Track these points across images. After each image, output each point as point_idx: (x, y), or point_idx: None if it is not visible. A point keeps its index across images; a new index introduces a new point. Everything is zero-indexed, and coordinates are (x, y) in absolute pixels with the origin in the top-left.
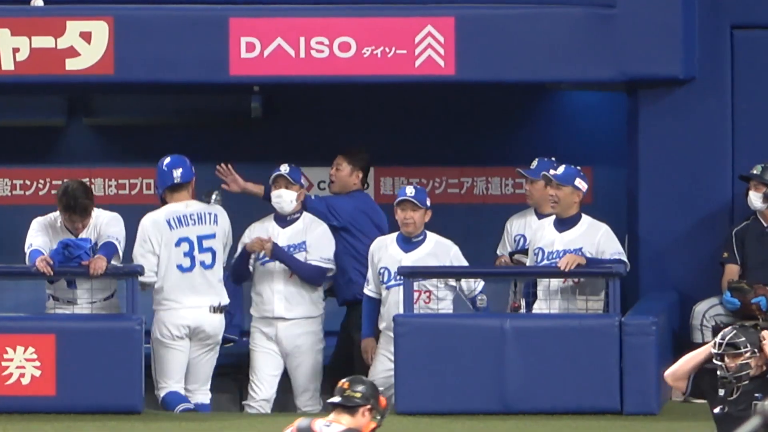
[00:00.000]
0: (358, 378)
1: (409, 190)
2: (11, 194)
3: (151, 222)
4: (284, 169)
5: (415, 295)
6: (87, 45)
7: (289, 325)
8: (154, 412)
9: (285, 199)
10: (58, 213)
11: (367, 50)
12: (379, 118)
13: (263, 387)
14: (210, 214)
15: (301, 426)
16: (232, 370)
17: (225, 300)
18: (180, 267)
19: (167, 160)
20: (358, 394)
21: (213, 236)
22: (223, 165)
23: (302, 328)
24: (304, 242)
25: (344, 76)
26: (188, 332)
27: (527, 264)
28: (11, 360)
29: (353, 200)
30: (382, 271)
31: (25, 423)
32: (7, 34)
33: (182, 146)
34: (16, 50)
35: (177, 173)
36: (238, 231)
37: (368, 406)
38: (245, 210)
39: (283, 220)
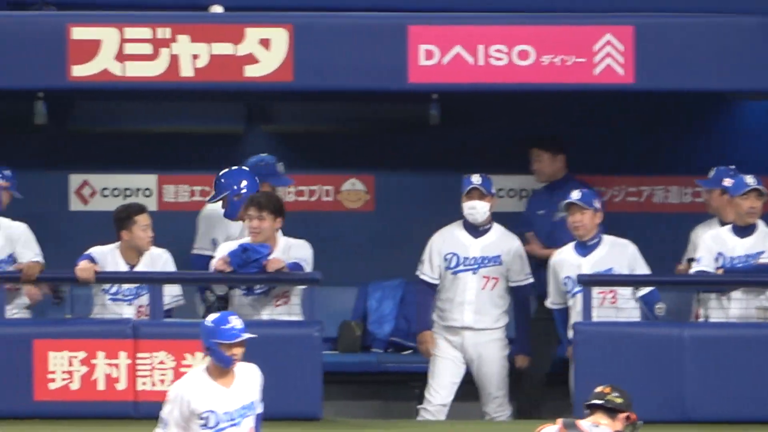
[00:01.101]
0: (616, 386)
1: (575, 194)
2: (191, 200)
3: None
4: (477, 180)
5: (600, 296)
6: (266, 52)
7: (476, 334)
8: (334, 419)
9: (479, 210)
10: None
11: (546, 58)
12: (558, 127)
13: (442, 393)
14: None
15: (566, 422)
16: (408, 378)
17: None
18: None
19: (242, 173)
20: (620, 400)
21: None
22: None
23: (489, 336)
24: (498, 256)
25: (523, 84)
26: None
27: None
28: (190, 366)
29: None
30: (565, 281)
31: None
32: (187, 40)
33: (360, 153)
34: (195, 57)
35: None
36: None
37: (626, 414)
38: None
39: (475, 230)
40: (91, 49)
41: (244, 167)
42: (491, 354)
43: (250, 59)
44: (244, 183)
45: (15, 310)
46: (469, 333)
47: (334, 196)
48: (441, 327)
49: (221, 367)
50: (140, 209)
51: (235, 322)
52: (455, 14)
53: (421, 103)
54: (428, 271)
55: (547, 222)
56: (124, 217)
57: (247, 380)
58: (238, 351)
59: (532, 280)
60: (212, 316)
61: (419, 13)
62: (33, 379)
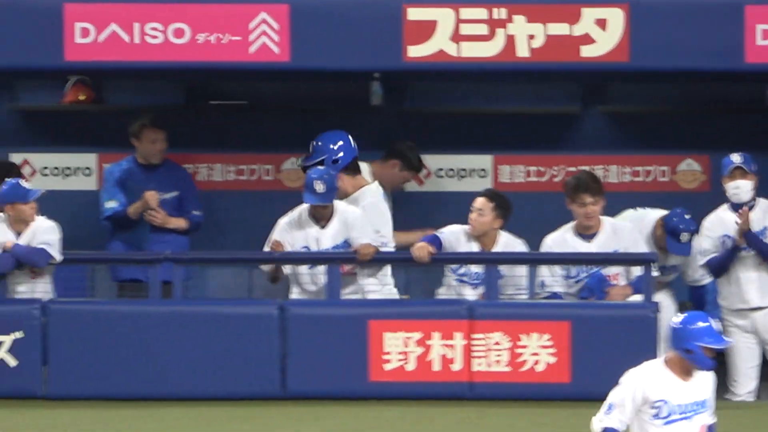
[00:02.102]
0: None
1: None
2: (526, 180)
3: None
4: (738, 159)
5: None
6: (602, 32)
7: (765, 314)
8: None
9: (743, 189)
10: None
11: None
12: None
13: (745, 381)
14: None
15: None
16: None
17: None
18: None
19: (340, 136)
20: None
21: None
22: None
23: None
24: (765, 228)
25: None
26: None
27: None
28: (526, 347)
29: None
30: None
31: (540, 410)
32: (522, 21)
33: (695, 134)
34: (531, 37)
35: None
36: None
37: None
38: None
39: (741, 209)
40: (426, 29)
41: (342, 131)
42: None
43: (586, 39)
44: (340, 145)
45: (350, 291)
46: (759, 313)
47: (669, 177)
48: (729, 312)
49: (696, 368)
50: (480, 195)
51: (715, 324)
52: None
53: (758, 83)
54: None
55: None
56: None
57: (704, 378)
58: (713, 354)
59: None
60: (682, 317)
61: None
62: (368, 360)
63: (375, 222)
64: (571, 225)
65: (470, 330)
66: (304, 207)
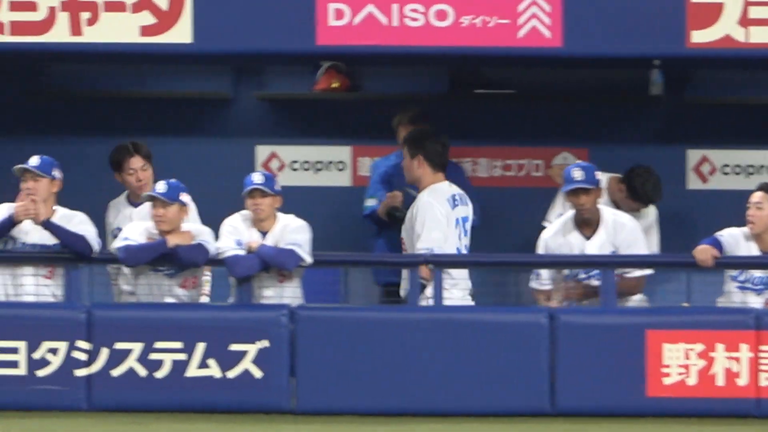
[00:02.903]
0: None
1: None
2: None
3: (439, 199)
4: None
5: None
6: None
7: None
8: None
9: None
10: None
11: None
12: None
13: None
14: (464, 195)
15: None
16: None
17: None
18: (458, 251)
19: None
20: None
21: (468, 219)
22: None
23: None
24: None
25: None
26: None
27: None
28: None
29: None
30: None
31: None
32: None
33: None
34: None
35: None
36: None
37: None
38: None
39: None
40: (712, 13)
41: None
42: None
43: None
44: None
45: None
46: None
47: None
48: None
49: None
50: (756, 189)
51: None
52: None
53: None
54: None
55: None
56: None
57: None
58: None
59: None
60: None
61: None
62: (646, 373)
63: (420, 222)
64: None
65: (758, 341)
66: (570, 215)
